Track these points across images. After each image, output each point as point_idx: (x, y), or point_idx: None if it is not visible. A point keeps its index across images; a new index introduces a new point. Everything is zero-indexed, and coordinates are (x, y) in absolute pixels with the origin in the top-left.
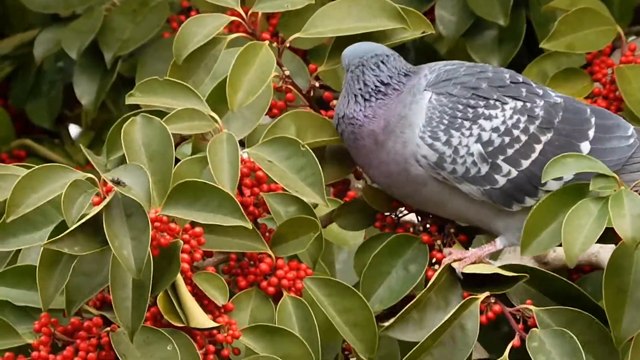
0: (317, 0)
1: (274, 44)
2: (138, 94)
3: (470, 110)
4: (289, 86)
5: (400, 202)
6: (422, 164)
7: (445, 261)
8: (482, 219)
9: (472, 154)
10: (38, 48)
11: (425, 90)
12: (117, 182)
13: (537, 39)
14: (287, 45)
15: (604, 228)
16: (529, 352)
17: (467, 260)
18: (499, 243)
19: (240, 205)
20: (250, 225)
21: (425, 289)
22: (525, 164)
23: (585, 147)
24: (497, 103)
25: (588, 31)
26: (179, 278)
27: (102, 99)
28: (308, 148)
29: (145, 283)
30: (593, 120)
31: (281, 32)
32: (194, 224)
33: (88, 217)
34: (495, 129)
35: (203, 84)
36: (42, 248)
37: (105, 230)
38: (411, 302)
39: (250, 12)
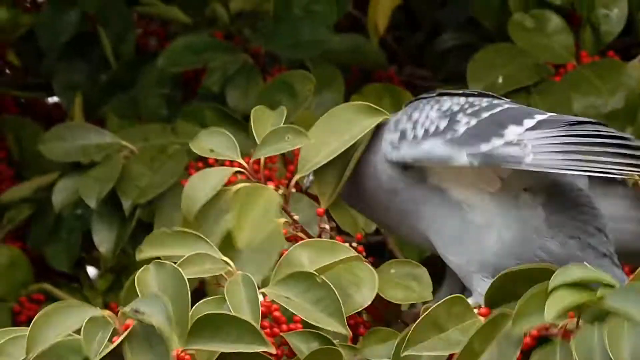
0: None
1: (280, 191)
2: (147, 248)
3: (433, 101)
4: (300, 233)
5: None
6: (388, 153)
7: None
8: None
9: (429, 117)
10: (57, 196)
11: None
12: (136, 311)
13: None
14: (293, 189)
15: None
16: None
17: None
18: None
19: (261, 332)
20: (273, 350)
21: None
22: (486, 114)
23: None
24: (462, 97)
25: None
26: None
27: (121, 246)
28: (324, 279)
29: None
30: None
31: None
32: None
33: (110, 348)
34: (456, 103)
35: (212, 236)
36: None
37: None
38: None
39: (251, 161)
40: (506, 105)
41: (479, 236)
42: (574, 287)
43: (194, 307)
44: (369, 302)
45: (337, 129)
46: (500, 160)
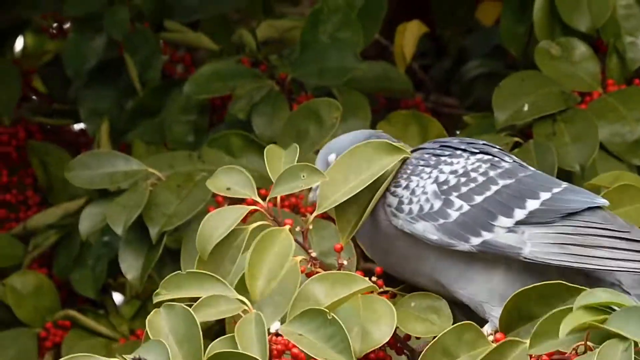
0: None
1: (297, 228)
2: (164, 291)
3: (434, 158)
4: (318, 269)
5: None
6: (387, 212)
7: None
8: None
9: (426, 193)
10: (84, 223)
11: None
12: (138, 359)
13: None
14: (310, 227)
15: None
16: None
17: None
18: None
19: None
20: None
21: None
22: (479, 199)
23: (546, 195)
24: (464, 153)
25: (629, 207)
26: None
27: (148, 273)
28: (334, 316)
29: None
30: (564, 186)
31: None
32: None
33: None
34: (453, 172)
35: (229, 275)
36: None
37: None
38: None
39: (268, 199)
40: (501, 183)
41: (487, 266)
42: (593, 310)
43: (209, 346)
44: (387, 339)
45: (357, 167)
46: (498, 249)
